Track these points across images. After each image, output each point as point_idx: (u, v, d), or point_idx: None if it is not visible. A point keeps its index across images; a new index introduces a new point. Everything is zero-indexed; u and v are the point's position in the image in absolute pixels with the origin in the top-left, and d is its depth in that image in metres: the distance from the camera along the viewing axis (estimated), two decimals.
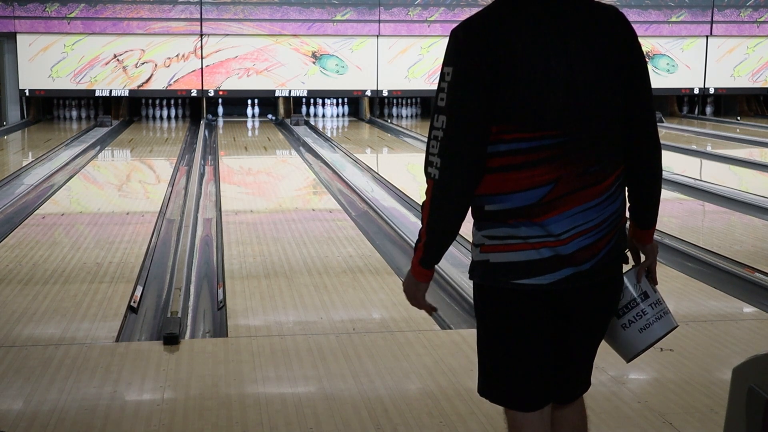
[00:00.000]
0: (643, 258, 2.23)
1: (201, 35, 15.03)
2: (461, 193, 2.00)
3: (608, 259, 2.07)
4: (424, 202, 2.05)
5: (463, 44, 1.97)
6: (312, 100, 15.74)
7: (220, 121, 15.61)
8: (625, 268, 2.19)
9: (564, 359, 2.18)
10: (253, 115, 15.94)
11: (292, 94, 15.37)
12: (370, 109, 15.68)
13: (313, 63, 15.11)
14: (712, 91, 16.57)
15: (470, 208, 2.05)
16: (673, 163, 10.51)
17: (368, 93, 15.30)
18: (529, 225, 2.00)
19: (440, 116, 1.99)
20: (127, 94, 15.10)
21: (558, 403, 2.23)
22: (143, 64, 15.01)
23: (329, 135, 13.42)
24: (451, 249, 5.72)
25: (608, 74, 2.00)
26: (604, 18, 2.02)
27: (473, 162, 1.98)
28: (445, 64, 2.00)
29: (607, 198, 2.03)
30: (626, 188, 2.12)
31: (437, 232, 2.06)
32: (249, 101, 15.89)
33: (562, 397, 2.23)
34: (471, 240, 2.13)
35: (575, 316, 2.12)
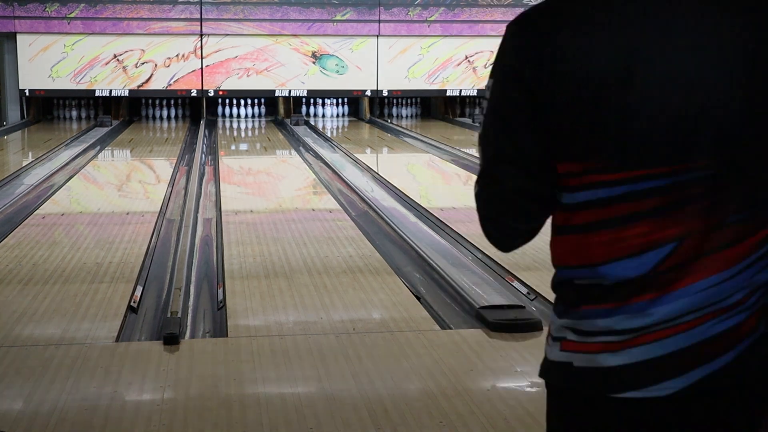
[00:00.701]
0: None
1: (201, 35, 15.03)
2: (515, 247, 1.48)
3: (757, 353, 1.34)
4: None
5: (509, 44, 1.38)
6: (312, 100, 15.74)
7: (220, 121, 15.62)
8: None
9: None
10: (254, 115, 15.95)
11: (292, 94, 15.37)
12: (370, 109, 15.68)
13: (313, 63, 15.12)
14: None
15: (553, 285, 1.44)
16: None
17: (368, 93, 15.30)
18: (639, 308, 1.32)
19: (479, 145, 1.43)
20: (127, 94, 15.11)
21: None
22: (143, 64, 15.02)
23: (329, 135, 13.42)
24: (451, 248, 5.74)
25: (760, 85, 1.29)
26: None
27: (524, 221, 1.42)
28: (491, 74, 1.43)
29: (757, 260, 1.33)
30: None
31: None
32: (249, 101, 15.90)
33: None
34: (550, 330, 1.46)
35: None
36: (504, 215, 1.42)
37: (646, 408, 1.33)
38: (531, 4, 15.63)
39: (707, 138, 1.28)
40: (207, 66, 15.13)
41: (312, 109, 15.83)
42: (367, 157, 11.15)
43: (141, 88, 15.11)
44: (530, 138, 1.34)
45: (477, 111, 16.11)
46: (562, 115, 1.30)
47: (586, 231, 1.34)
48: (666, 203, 1.30)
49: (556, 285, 1.42)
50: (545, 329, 4.16)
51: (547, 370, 1.43)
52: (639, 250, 1.31)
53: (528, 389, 3.48)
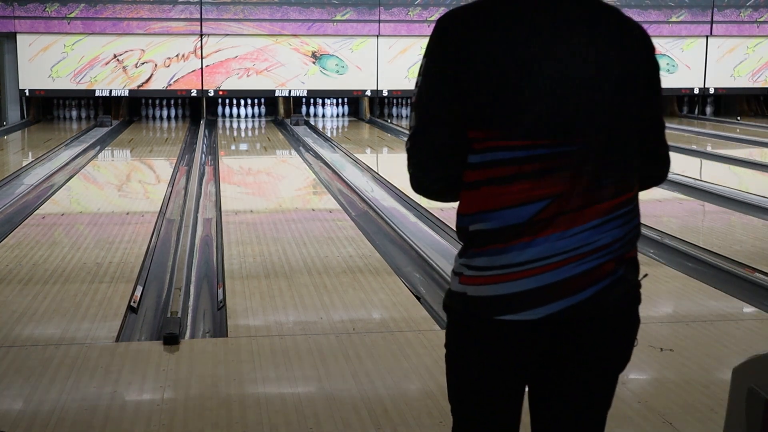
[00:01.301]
0: None
1: (201, 35, 15.03)
2: (434, 195, 1.83)
3: (613, 292, 1.74)
4: None
5: (440, 33, 1.72)
6: (312, 100, 15.74)
7: (220, 121, 15.62)
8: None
9: (556, 419, 1.83)
10: (254, 115, 15.95)
11: (292, 94, 15.37)
12: (370, 109, 15.68)
13: (313, 63, 15.12)
14: (712, 91, 16.57)
15: (456, 230, 1.80)
16: (673, 163, 10.49)
17: (368, 93, 15.30)
18: (518, 248, 1.69)
19: (412, 113, 1.78)
20: (127, 94, 15.11)
21: None
22: (143, 64, 15.01)
23: (329, 135, 13.42)
24: (451, 248, 5.73)
25: (623, 87, 1.70)
26: (625, 28, 1.76)
27: (442, 168, 1.75)
28: (424, 55, 1.77)
29: (619, 216, 1.74)
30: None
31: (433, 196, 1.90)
32: (249, 101, 15.90)
33: None
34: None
35: (569, 362, 1.78)
36: (432, 161, 1.75)
37: (521, 328, 1.71)
38: None
39: (582, 122, 1.68)
40: (207, 66, 15.13)
41: (312, 109, 15.83)
42: (367, 157, 11.15)
43: (141, 88, 15.11)
44: (454, 107, 1.70)
45: None
46: (474, 91, 1.67)
47: (482, 186, 1.71)
48: (545, 168, 1.67)
49: (457, 231, 1.79)
50: None
51: (449, 298, 1.81)
52: (520, 203, 1.68)
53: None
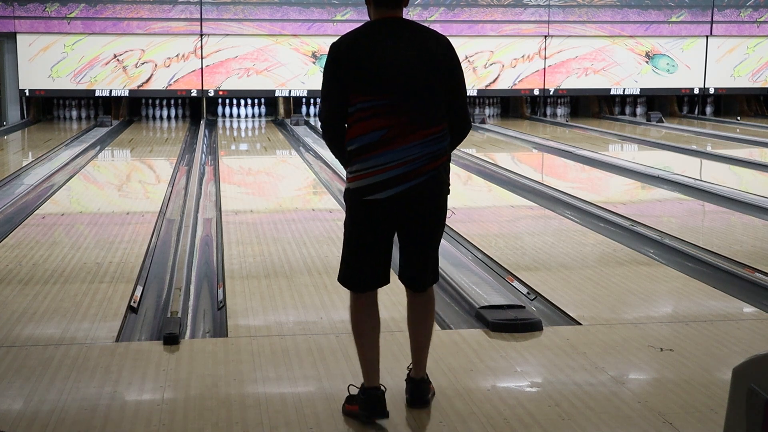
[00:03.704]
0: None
1: (201, 35, 15.04)
2: (334, 137, 3.14)
3: (430, 180, 3.06)
4: None
5: (332, 49, 3.11)
6: (312, 100, 15.74)
7: (220, 121, 15.62)
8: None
9: (409, 253, 3.17)
10: (254, 115, 15.95)
11: (292, 94, 15.37)
12: None
13: (313, 63, 15.12)
14: (712, 91, 16.58)
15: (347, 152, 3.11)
16: (673, 163, 10.52)
17: None
18: (372, 157, 3.02)
19: (322, 93, 3.15)
20: (127, 94, 15.11)
21: (413, 291, 3.24)
22: (143, 64, 15.02)
23: None
24: (451, 248, 5.74)
25: (430, 71, 3.06)
26: (434, 40, 3.13)
27: (336, 117, 3.10)
28: (324, 63, 3.15)
29: (429, 141, 3.05)
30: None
31: (338, 158, 3.21)
32: (249, 101, 15.91)
33: (415, 287, 3.22)
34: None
35: (409, 220, 3.10)
36: (333, 117, 3.11)
37: (379, 203, 3.06)
38: (530, 5, 15.63)
39: (404, 87, 3.04)
40: (207, 66, 15.13)
41: (312, 109, 15.83)
42: None
43: (141, 88, 15.12)
44: (340, 87, 3.07)
45: (477, 111, 16.12)
46: (348, 75, 3.05)
47: (354, 123, 3.07)
48: (385, 111, 3.03)
49: (347, 153, 3.10)
50: (545, 329, 4.17)
51: (345, 191, 3.17)
52: (372, 130, 3.03)
53: (528, 389, 3.48)
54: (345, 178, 3.18)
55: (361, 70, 3.03)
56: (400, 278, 3.25)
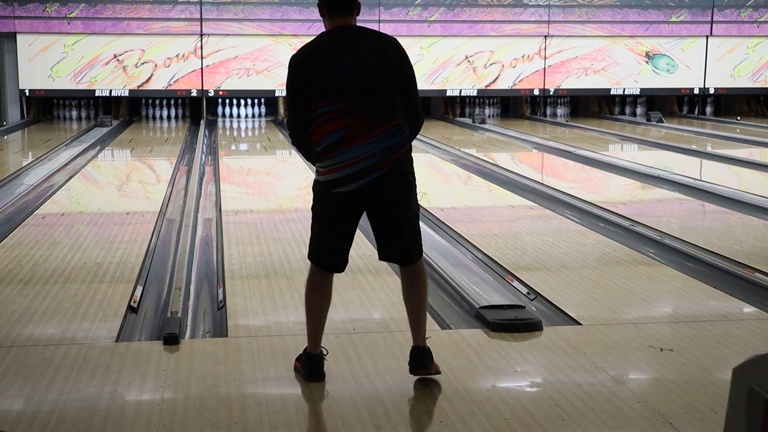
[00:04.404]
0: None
1: (201, 35, 15.04)
2: (300, 142, 3.49)
3: (393, 170, 3.37)
4: None
5: (291, 63, 3.43)
6: None
7: (220, 121, 15.62)
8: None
9: (385, 234, 3.48)
10: (254, 115, 15.95)
11: None
12: None
13: None
14: (712, 91, 16.58)
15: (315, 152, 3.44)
16: (673, 163, 10.52)
17: None
18: (338, 154, 3.34)
19: (286, 103, 3.64)
20: (127, 94, 15.11)
21: (402, 264, 3.54)
22: (143, 64, 15.02)
23: None
24: (451, 248, 5.74)
25: (382, 71, 3.37)
26: (383, 41, 3.43)
27: (300, 124, 3.43)
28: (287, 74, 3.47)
29: (387, 135, 3.35)
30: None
31: (301, 153, 3.59)
32: (249, 101, 15.91)
33: (402, 261, 3.52)
34: None
35: (376, 208, 3.43)
36: (297, 125, 3.44)
37: (345, 195, 3.38)
38: (530, 5, 15.63)
39: (360, 89, 3.33)
40: (207, 66, 15.13)
41: None
42: None
43: (141, 88, 15.12)
44: (302, 97, 3.38)
45: (477, 111, 16.12)
46: (309, 83, 3.35)
47: (317, 126, 3.37)
48: (344, 112, 3.33)
49: (315, 152, 3.42)
50: (545, 329, 4.17)
51: (313, 183, 3.49)
52: (334, 131, 3.34)
53: (528, 389, 3.48)
54: (315, 171, 3.50)
55: (318, 79, 3.33)
56: (384, 257, 3.55)
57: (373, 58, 3.36)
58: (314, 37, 3.46)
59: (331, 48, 3.37)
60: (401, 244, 3.48)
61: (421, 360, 3.49)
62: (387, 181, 3.36)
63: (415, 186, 3.49)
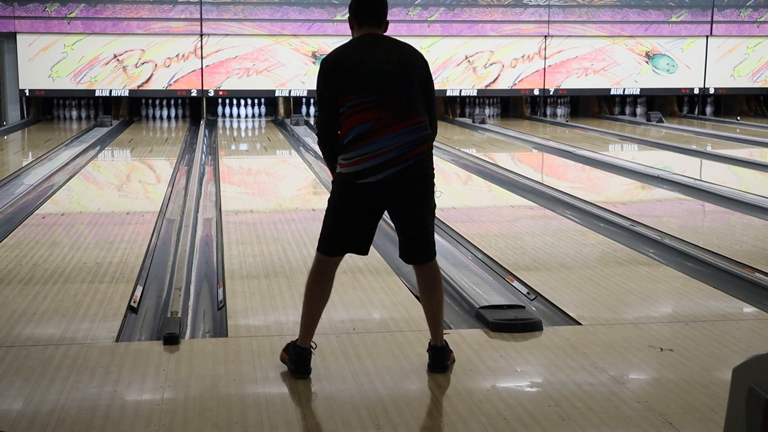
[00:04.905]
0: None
1: (201, 35, 15.03)
2: (326, 140, 3.58)
3: (416, 164, 3.47)
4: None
5: (322, 64, 3.57)
6: (312, 100, 15.74)
7: (220, 121, 15.62)
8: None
9: (405, 231, 3.56)
10: (254, 115, 15.95)
11: (292, 94, 15.37)
12: None
13: (313, 63, 15.11)
14: (712, 91, 16.58)
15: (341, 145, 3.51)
16: (673, 163, 10.52)
17: None
18: (364, 145, 3.43)
19: (318, 98, 3.62)
20: (127, 94, 15.11)
21: (423, 263, 3.60)
22: (143, 64, 15.02)
23: None
24: (451, 248, 5.74)
25: (408, 71, 3.52)
26: (410, 48, 3.64)
27: (330, 121, 3.54)
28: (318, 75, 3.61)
29: (412, 130, 3.47)
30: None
31: (326, 159, 3.66)
32: (249, 101, 15.91)
33: (416, 260, 3.61)
34: None
35: (399, 204, 3.50)
36: (327, 124, 3.55)
37: (370, 186, 3.45)
38: (530, 5, 15.63)
39: (386, 86, 3.47)
40: (207, 66, 15.13)
41: (312, 109, 15.83)
42: None
43: (141, 88, 15.12)
44: (331, 94, 3.51)
45: (477, 111, 16.12)
46: (339, 80, 3.49)
47: (346, 119, 3.48)
48: (372, 106, 3.45)
49: (340, 144, 3.51)
50: (545, 329, 4.17)
51: (337, 175, 3.55)
52: (362, 123, 3.45)
53: (528, 389, 3.48)
54: (339, 163, 3.58)
55: (347, 75, 3.49)
56: (405, 259, 3.63)
57: (400, 61, 3.53)
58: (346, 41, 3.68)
59: (360, 49, 3.55)
60: (422, 240, 3.56)
61: (440, 359, 3.63)
62: (410, 175, 3.46)
63: (434, 185, 3.60)
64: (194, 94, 15.20)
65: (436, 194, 3.63)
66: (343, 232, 3.53)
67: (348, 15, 3.69)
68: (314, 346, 3.64)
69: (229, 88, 15.24)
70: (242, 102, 15.89)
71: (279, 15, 15.04)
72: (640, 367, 3.76)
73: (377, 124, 3.43)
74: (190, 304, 4.63)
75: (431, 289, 3.63)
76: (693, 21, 16.24)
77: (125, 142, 12.87)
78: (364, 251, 3.59)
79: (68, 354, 3.84)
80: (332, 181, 3.60)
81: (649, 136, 13.68)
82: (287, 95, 15.37)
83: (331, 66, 3.52)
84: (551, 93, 16.16)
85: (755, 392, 1.79)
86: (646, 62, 16.31)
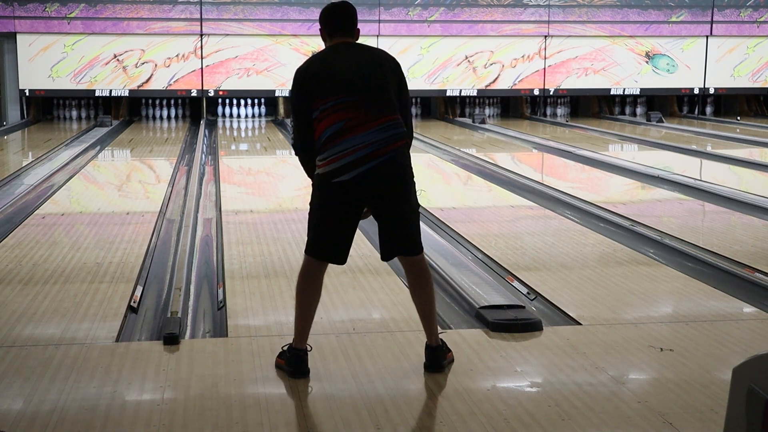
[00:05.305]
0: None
1: (201, 35, 15.03)
2: (304, 145, 3.60)
3: (390, 160, 3.50)
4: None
5: (295, 74, 3.63)
6: None
7: (220, 121, 15.62)
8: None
9: (386, 226, 3.59)
10: (254, 115, 15.95)
11: None
12: None
13: None
14: (712, 91, 16.58)
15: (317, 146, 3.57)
16: (673, 163, 10.52)
17: None
18: (337, 144, 3.47)
19: (291, 110, 3.68)
20: (127, 94, 15.11)
21: (406, 255, 3.63)
22: (143, 64, 15.02)
23: None
24: (451, 248, 5.74)
25: (380, 74, 3.56)
26: (383, 54, 3.70)
27: (305, 125, 3.57)
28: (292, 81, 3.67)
29: (385, 127, 3.50)
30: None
31: (303, 165, 3.69)
32: (249, 101, 15.91)
33: (405, 251, 3.62)
34: None
35: (377, 201, 3.54)
36: (301, 131, 3.59)
37: (345, 184, 3.48)
38: (530, 5, 15.63)
39: (359, 89, 3.51)
40: (207, 66, 15.13)
41: None
42: None
43: (141, 88, 15.12)
44: (305, 104, 3.55)
45: (477, 111, 16.12)
46: (313, 85, 3.53)
47: (320, 120, 3.52)
48: (343, 107, 3.49)
49: (317, 146, 3.55)
50: (545, 329, 4.17)
51: (315, 176, 3.59)
52: (335, 122, 3.49)
53: (528, 389, 3.48)
54: (316, 164, 3.65)
55: (318, 80, 3.55)
56: (387, 252, 3.64)
57: (372, 62, 3.59)
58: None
59: (331, 56, 3.61)
60: (404, 234, 3.58)
61: (435, 359, 3.61)
62: (386, 170, 3.48)
63: (414, 183, 3.60)
64: (194, 94, 15.20)
65: (418, 192, 3.67)
66: (328, 232, 3.55)
67: (319, 27, 3.73)
68: (310, 348, 3.65)
69: (229, 88, 15.24)
70: (242, 102, 15.89)
71: (279, 15, 15.04)
72: (640, 367, 3.76)
73: (349, 123, 3.48)
74: (190, 304, 4.63)
75: (420, 285, 3.62)
76: (693, 21, 16.24)
77: (125, 142, 12.87)
78: (341, 260, 3.60)
79: (68, 354, 3.84)
80: (312, 184, 3.64)
81: (649, 136, 13.68)
82: (287, 95, 15.37)
83: (302, 75, 3.58)
84: (551, 93, 16.16)
85: (755, 392, 1.79)
86: (646, 62, 16.32)
